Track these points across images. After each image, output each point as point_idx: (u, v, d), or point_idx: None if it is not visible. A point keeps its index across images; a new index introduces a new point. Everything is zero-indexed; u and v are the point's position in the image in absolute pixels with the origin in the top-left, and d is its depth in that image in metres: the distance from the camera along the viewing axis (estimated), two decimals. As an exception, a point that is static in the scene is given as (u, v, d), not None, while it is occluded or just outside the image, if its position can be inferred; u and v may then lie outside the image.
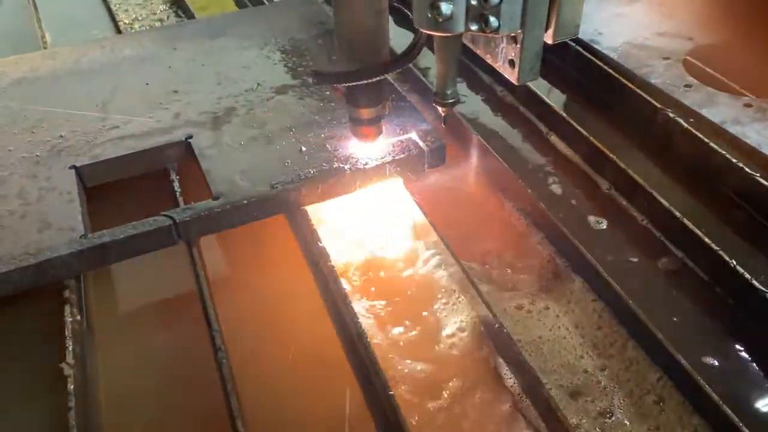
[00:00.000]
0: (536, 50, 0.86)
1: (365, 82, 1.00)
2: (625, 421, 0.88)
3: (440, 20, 0.79)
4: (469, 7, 0.80)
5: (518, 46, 0.85)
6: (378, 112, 1.08)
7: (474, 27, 0.81)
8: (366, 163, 1.14)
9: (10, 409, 0.89)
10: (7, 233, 1.03)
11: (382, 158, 1.15)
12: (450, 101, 0.96)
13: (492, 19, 0.79)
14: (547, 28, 0.85)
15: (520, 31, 0.83)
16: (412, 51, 0.99)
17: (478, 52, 0.93)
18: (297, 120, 1.25)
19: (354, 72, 1.00)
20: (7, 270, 0.96)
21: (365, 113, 1.07)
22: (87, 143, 1.21)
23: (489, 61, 0.91)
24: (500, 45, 0.89)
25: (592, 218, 1.13)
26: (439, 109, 0.98)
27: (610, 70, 1.35)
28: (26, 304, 0.99)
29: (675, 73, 1.35)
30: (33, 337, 0.96)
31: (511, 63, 0.88)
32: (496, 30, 0.81)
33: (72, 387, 0.88)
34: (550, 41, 0.86)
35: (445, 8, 0.78)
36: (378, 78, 1.01)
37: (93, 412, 0.91)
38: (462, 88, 1.48)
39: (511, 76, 0.89)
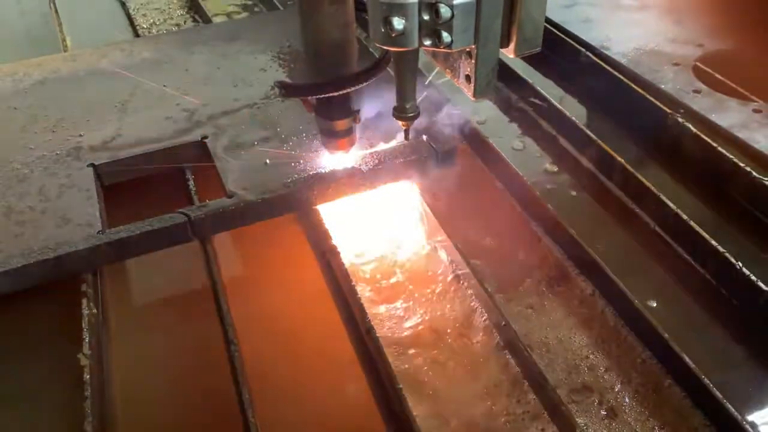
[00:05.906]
0: (491, 65, 0.85)
1: (331, 95, 1.00)
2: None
3: (394, 35, 0.79)
4: (421, 22, 0.79)
5: (473, 61, 0.84)
6: (349, 124, 1.07)
7: (428, 42, 0.80)
8: (377, 164, 1.16)
9: (28, 398, 0.92)
10: (28, 228, 1.06)
11: (394, 159, 1.17)
12: (410, 115, 0.96)
13: (444, 34, 0.79)
14: (508, 43, 0.84)
15: (474, 46, 0.82)
16: (380, 64, 0.98)
17: (438, 66, 0.93)
18: (310, 121, 1.27)
19: (321, 84, 0.99)
20: (27, 263, 0.99)
21: (337, 125, 1.07)
22: (105, 142, 1.24)
23: (449, 76, 0.90)
24: (458, 60, 0.88)
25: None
26: (400, 123, 0.97)
27: (620, 76, 1.36)
28: (45, 296, 1.02)
29: (684, 78, 1.36)
30: (51, 328, 0.99)
31: (468, 78, 0.87)
32: (449, 45, 0.80)
33: (88, 377, 0.90)
34: (512, 55, 0.85)
35: (398, 23, 0.78)
36: (345, 91, 1.00)
37: (108, 402, 0.93)
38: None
39: (468, 91, 0.88)
